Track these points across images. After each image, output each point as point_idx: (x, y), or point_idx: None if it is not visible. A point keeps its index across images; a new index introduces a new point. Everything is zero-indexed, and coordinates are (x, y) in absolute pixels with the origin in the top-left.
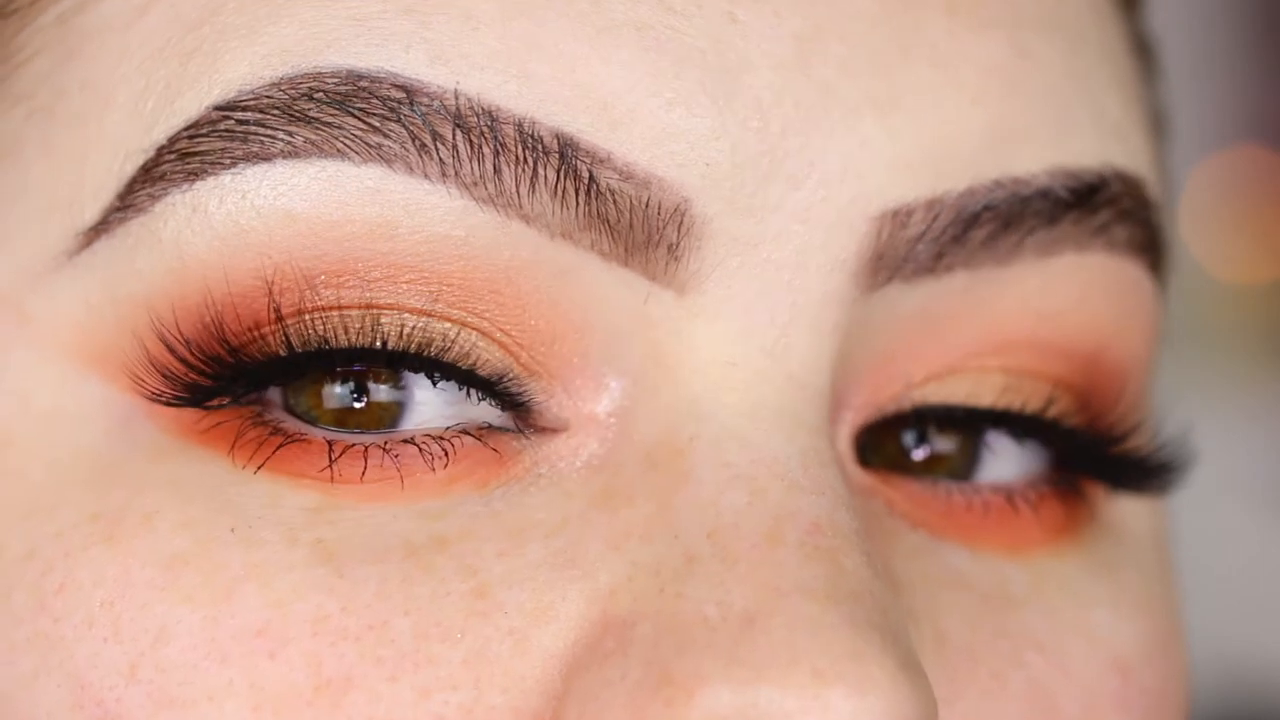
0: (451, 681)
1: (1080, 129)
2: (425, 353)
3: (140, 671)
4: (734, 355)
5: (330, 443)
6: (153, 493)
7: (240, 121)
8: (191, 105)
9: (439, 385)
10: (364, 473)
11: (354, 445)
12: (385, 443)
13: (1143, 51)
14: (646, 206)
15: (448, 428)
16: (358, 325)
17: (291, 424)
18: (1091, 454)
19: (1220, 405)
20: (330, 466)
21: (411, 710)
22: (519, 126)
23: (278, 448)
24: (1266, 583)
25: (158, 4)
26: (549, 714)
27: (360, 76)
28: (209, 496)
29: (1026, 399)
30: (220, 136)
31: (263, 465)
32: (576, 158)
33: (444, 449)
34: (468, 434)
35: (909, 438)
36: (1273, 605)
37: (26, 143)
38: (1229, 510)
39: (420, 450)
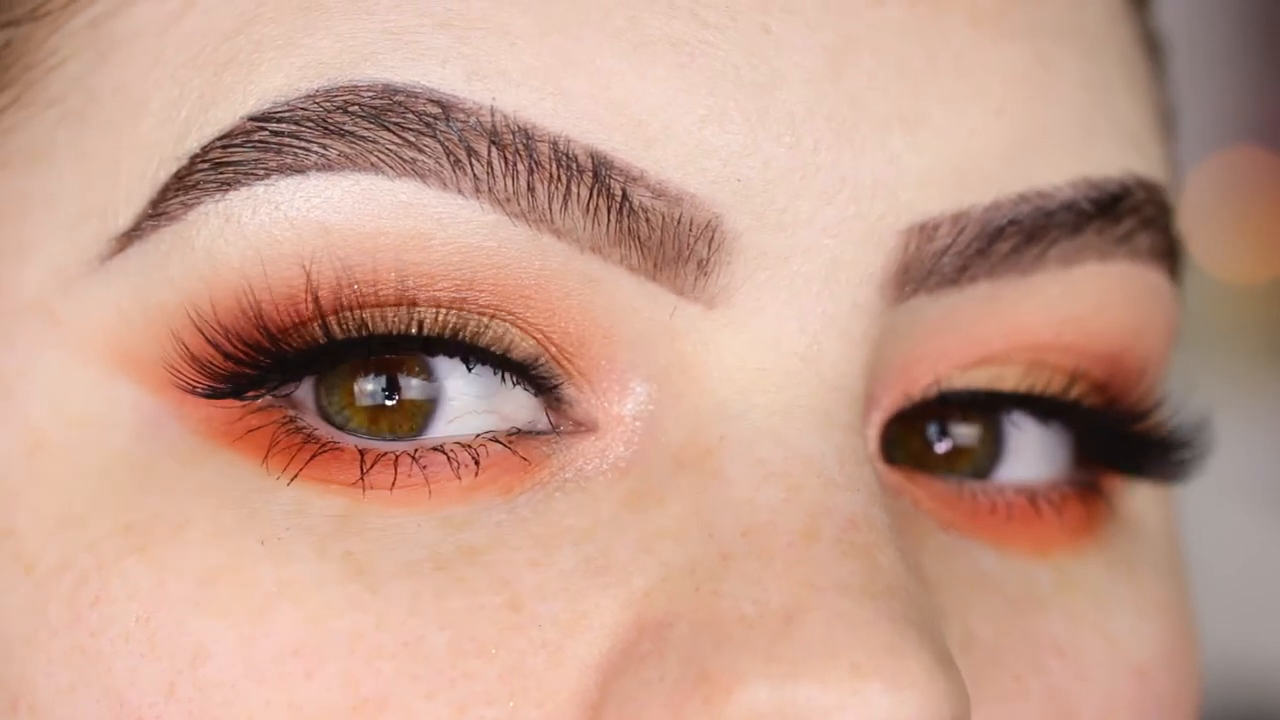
0: (487, 697)
1: (1101, 138)
2: (460, 336)
3: (179, 690)
4: (764, 361)
5: (362, 452)
6: (183, 500)
7: (274, 133)
8: (226, 115)
9: (474, 370)
10: (394, 481)
11: (385, 454)
12: (415, 450)
13: (1153, 50)
14: (678, 223)
15: (477, 435)
16: (393, 314)
17: (325, 431)
18: (1114, 434)
19: (1220, 405)
20: (362, 478)
21: None
22: (554, 144)
23: (311, 457)
24: (1266, 583)
25: (192, 11)
26: None
27: (396, 91)
28: (238, 504)
29: (1049, 380)
30: (254, 147)
31: (296, 476)
32: (610, 176)
33: (472, 456)
34: (497, 441)
35: (932, 430)
36: (1273, 605)
37: (58, 147)
38: (1229, 510)
39: (449, 458)
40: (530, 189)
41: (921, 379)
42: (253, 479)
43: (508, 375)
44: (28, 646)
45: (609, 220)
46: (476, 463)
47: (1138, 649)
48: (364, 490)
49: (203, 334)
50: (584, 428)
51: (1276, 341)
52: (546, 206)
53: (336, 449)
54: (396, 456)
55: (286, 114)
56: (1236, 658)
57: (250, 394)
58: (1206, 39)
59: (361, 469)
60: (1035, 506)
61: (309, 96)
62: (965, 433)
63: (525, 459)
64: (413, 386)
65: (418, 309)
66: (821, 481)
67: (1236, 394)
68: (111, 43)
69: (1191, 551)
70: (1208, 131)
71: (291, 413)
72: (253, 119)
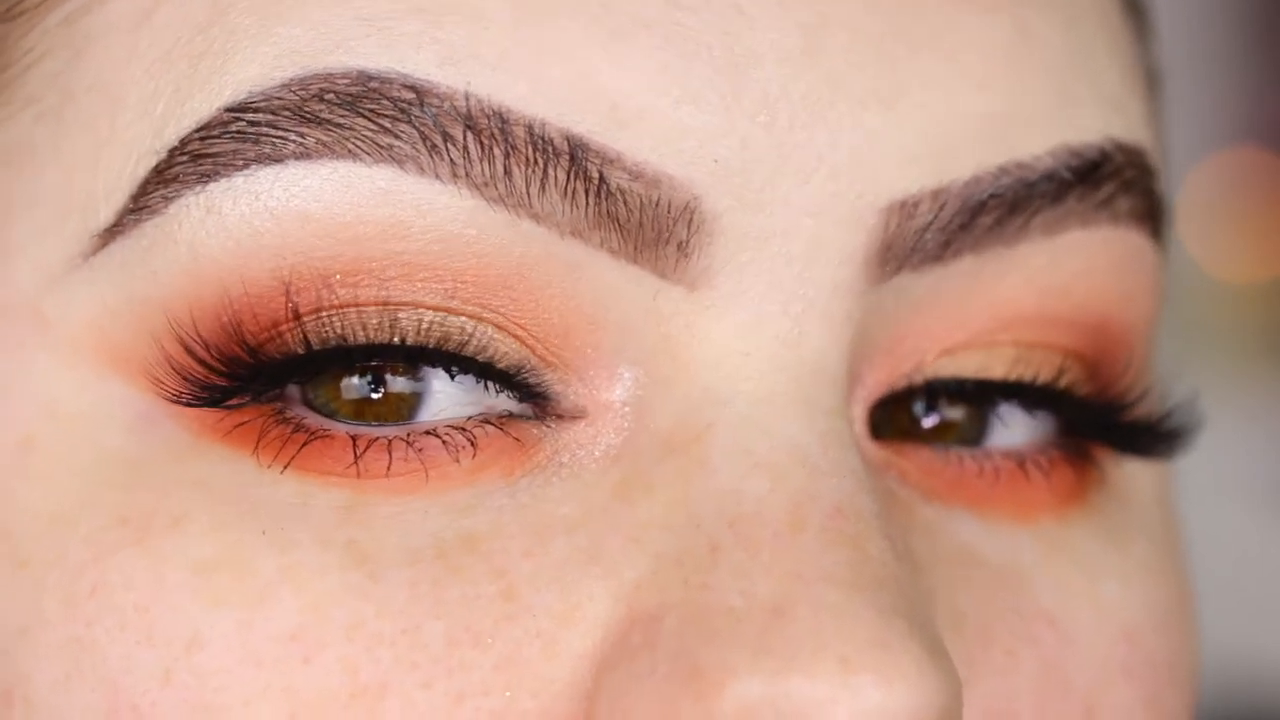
0: (484, 687)
1: (1081, 104)
2: (444, 347)
3: (175, 676)
4: (748, 345)
5: (354, 437)
6: (180, 494)
7: (251, 123)
8: (202, 107)
9: (457, 379)
10: (389, 466)
11: (377, 439)
12: (408, 434)
13: (1134, 9)
14: (656, 205)
15: (469, 417)
16: (375, 322)
17: (313, 420)
18: (1102, 422)
19: (1219, 405)
20: (356, 463)
21: (445, 716)
22: (529, 128)
23: (302, 445)
24: (1266, 583)
25: (165, 5)
26: (581, 714)
27: (371, 77)
28: (238, 498)
29: (1038, 370)
30: (232, 138)
31: (289, 464)
32: (586, 159)
33: (468, 439)
34: (489, 423)
35: (919, 407)
36: (1272, 605)
37: (38, 146)
38: (1229, 510)
39: (444, 442)
40: (507, 173)
41: (907, 358)
42: (249, 472)
43: (490, 384)
44: (22, 639)
45: (587, 203)
46: (473, 445)
47: (1127, 613)
48: (359, 476)
49: (182, 344)
50: (573, 414)
51: (1276, 341)
52: (524, 190)
53: (327, 435)
54: (390, 441)
55: (263, 103)
56: (1236, 658)
57: (231, 403)
58: (1206, 39)
59: (355, 454)
60: (1024, 470)
61: (284, 85)
62: (953, 413)
63: (519, 439)
64: (398, 383)
65: (400, 316)
66: (806, 470)
67: (1236, 394)
68: (86, 39)
69: (1191, 552)
70: (1207, 131)
71: (279, 404)
72: (229, 110)
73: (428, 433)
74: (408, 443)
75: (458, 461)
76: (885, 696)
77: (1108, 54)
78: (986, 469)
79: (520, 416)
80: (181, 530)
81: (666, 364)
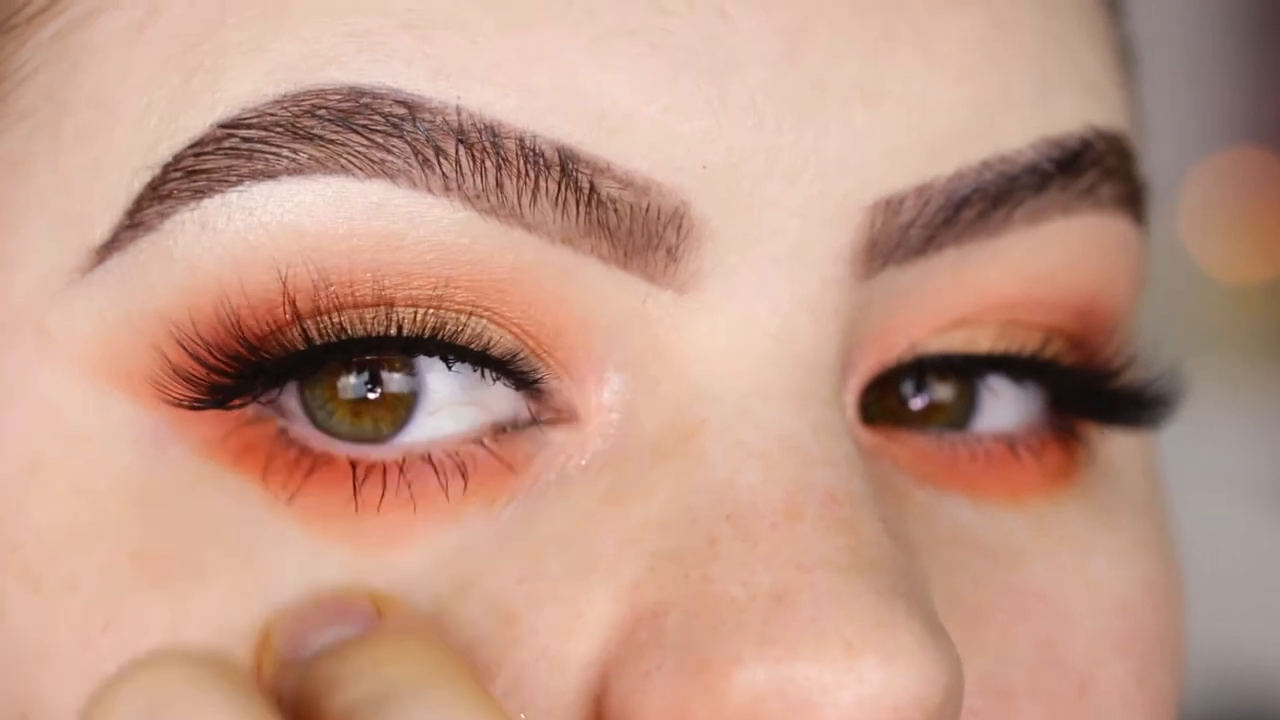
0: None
1: (1060, 93)
2: (439, 335)
3: None
4: (737, 343)
5: (354, 464)
6: (196, 539)
7: (245, 139)
8: (195, 122)
9: (454, 369)
10: (382, 499)
11: (375, 465)
12: (403, 460)
13: None
14: (646, 212)
15: (464, 433)
16: (371, 315)
17: (317, 441)
18: (1089, 391)
19: (1218, 405)
20: (355, 496)
21: None
22: (520, 141)
23: (307, 474)
24: (1266, 582)
25: (158, 19)
26: (593, 718)
27: (362, 93)
28: (249, 553)
29: (1024, 343)
30: (225, 154)
31: (294, 494)
32: (577, 169)
33: (458, 466)
34: (482, 445)
35: (907, 387)
36: (1272, 605)
37: (33, 159)
38: (1229, 510)
39: (436, 470)
40: (499, 185)
41: (896, 345)
42: (258, 507)
43: (487, 371)
44: (37, 664)
45: (578, 212)
46: (463, 475)
47: (1119, 588)
48: (357, 510)
49: (183, 346)
50: (564, 416)
51: (1276, 341)
52: (516, 202)
53: (329, 460)
54: (385, 468)
55: (255, 119)
56: (1234, 657)
57: (235, 403)
58: (1204, 40)
59: (354, 483)
60: (1014, 453)
61: (277, 101)
62: (941, 389)
63: (509, 465)
64: (394, 380)
65: (396, 309)
66: (799, 458)
67: (1236, 394)
68: (80, 53)
69: (1191, 551)
70: (1207, 131)
71: (282, 423)
72: (222, 125)
73: (422, 459)
74: (401, 470)
75: (445, 494)
76: (889, 677)
77: (1085, 40)
78: (978, 452)
79: (513, 428)
80: (202, 583)
81: (655, 365)
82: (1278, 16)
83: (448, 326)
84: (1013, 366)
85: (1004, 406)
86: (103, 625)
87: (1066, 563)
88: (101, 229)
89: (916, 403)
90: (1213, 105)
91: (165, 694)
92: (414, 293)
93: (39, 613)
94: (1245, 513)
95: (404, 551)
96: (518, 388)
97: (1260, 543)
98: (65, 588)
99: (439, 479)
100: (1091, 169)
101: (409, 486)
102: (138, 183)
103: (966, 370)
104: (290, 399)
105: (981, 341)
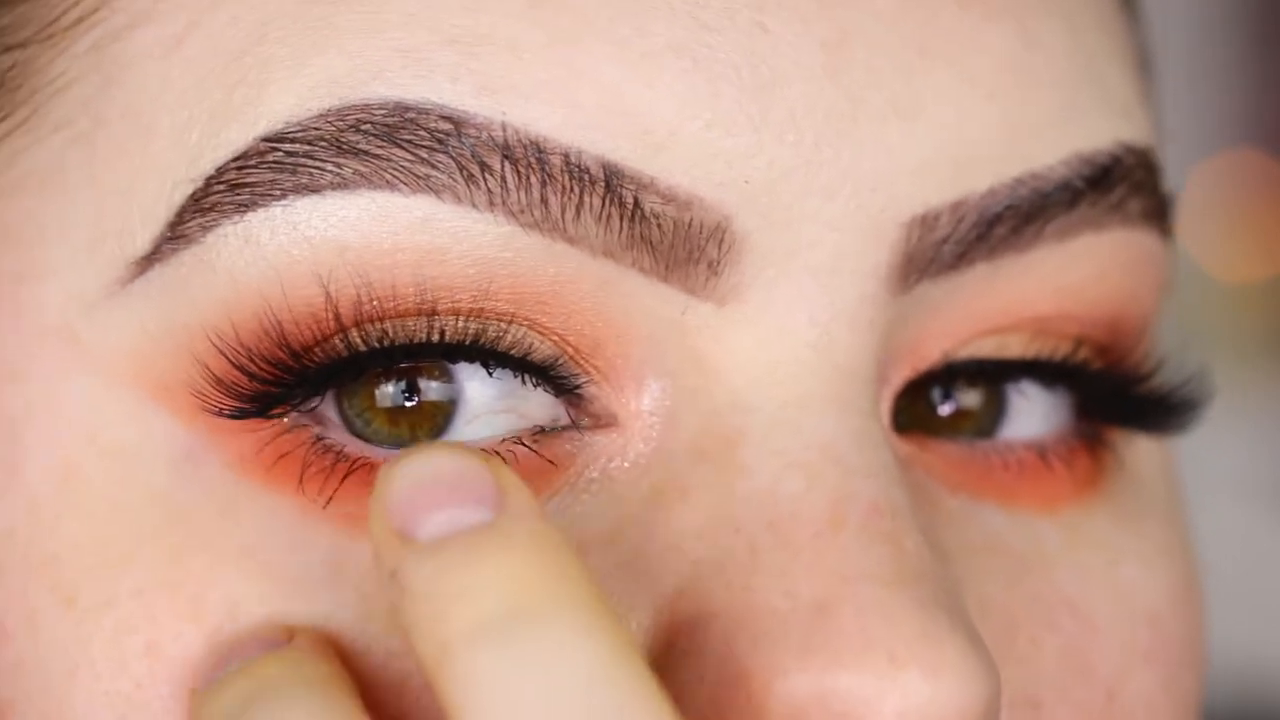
0: None
1: (1089, 110)
2: (480, 341)
3: None
4: (776, 354)
5: None
6: (231, 569)
7: (289, 154)
8: (238, 136)
9: (494, 374)
10: None
11: None
12: None
13: (1126, 1)
14: (689, 227)
15: (502, 439)
16: (414, 323)
17: (353, 447)
18: (1117, 395)
19: (1219, 405)
20: None
21: None
22: (566, 157)
23: (344, 477)
24: (1266, 582)
25: (196, 34)
26: None
27: (408, 108)
28: (286, 576)
29: (1055, 348)
30: (269, 168)
31: (331, 499)
32: (621, 185)
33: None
34: (521, 444)
35: (935, 393)
36: (1272, 605)
37: (69, 170)
38: (1229, 510)
39: None
40: (543, 201)
41: (929, 356)
42: (294, 529)
43: (527, 377)
44: (68, 681)
45: (621, 227)
46: None
47: (1148, 597)
48: None
49: (226, 356)
50: (604, 422)
51: (1276, 341)
52: (560, 217)
53: (366, 463)
54: None
55: (299, 134)
56: (1236, 657)
57: (275, 411)
58: (1204, 43)
59: None
60: (1045, 461)
61: (321, 116)
62: (968, 396)
63: (551, 461)
64: (433, 389)
65: (438, 318)
66: (841, 469)
67: (1236, 394)
68: (117, 66)
69: None
70: (1207, 132)
71: (318, 430)
72: (266, 139)
73: None
74: None
75: None
76: (935, 689)
77: (1111, 55)
78: (1011, 461)
79: (552, 430)
80: (235, 617)
81: (694, 375)
82: (1278, 19)
83: (489, 332)
84: (1044, 371)
85: (1031, 413)
86: (140, 650)
87: (1095, 570)
88: (142, 241)
89: (944, 409)
90: (1213, 107)
91: (264, 687)
92: (456, 303)
93: (73, 629)
94: (1246, 513)
95: None
96: (558, 394)
97: (1260, 543)
98: (99, 606)
99: None
100: (1121, 184)
101: None
102: (179, 195)
103: (998, 375)
104: (328, 408)
105: (1013, 346)
